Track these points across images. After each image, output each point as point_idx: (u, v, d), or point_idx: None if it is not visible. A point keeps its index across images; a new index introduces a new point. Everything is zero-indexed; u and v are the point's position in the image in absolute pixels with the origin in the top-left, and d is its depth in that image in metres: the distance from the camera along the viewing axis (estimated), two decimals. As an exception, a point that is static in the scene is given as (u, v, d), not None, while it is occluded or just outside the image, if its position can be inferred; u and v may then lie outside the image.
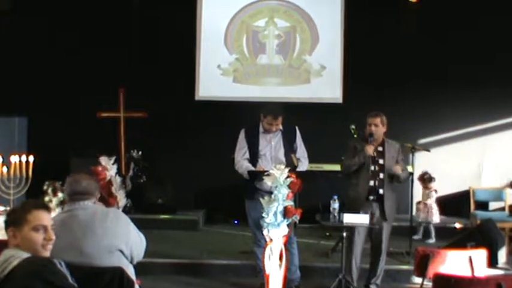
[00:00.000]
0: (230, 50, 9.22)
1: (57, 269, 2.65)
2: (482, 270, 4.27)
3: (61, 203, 5.63)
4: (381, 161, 5.54)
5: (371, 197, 5.51)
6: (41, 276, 2.55)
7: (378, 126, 5.54)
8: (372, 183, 5.51)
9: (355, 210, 5.36)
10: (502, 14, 8.76)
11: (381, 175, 5.52)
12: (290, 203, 4.47)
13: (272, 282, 4.38)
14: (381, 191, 5.50)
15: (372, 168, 5.51)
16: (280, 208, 4.37)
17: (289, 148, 5.61)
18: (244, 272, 6.22)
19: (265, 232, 4.42)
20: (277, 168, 4.46)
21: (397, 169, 5.48)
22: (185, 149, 8.87)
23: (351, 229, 5.43)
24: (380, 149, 5.58)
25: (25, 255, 2.64)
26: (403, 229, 7.06)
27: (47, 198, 5.84)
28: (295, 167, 5.37)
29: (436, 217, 7.72)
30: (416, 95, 8.78)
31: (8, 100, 8.62)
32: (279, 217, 4.37)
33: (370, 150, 5.45)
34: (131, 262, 3.33)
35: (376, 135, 5.53)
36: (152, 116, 8.55)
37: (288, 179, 4.45)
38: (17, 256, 2.62)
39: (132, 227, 3.35)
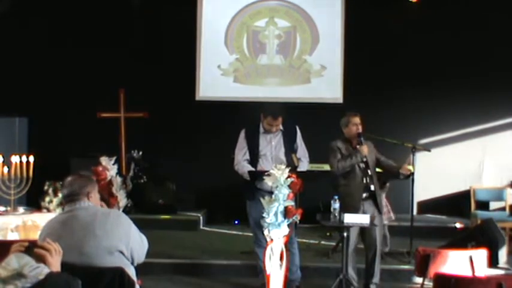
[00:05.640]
0: (230, 50, 9.21)
1: None
2: (483, 270, 4.27)
3: (61, 204, 5.65)
4: (364, 158, 5.57)
5: (364, 195, 5.54)
6: None
7: (361, 125, 5.62)
8: (364, 180, 5.54)
9: (353, 209, 5.36)
10: (502, 14, 8.75)
11: (369, 171, 5.55)
12: (291, 203, 4.46)
13: (273, 282, 4.37)
14: (372, 187, 5.54)
15: (361, 165, 5.56)
16: (281, 208, 4.36)
17: (290, 148, 5.60)
18: (245, 272, 6.22)
19: (265, 232, 4.41)
20: (277, 169, 4.46)
21: (409, 169, 5.52)
22: (186, 149, 8.87)
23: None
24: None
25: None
26: (403, 229, 7.05)
27: (47, 199, 5.85)
28: (296, 167, 5.36)
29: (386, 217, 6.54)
30: (417, 95, 8.77)
31: (9, 100, 8.62)
32: (280, 217, 4.36)
33: (365, 150, 5.50)
34: (132, 263, 3.32)
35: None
36: (153, 116, 8.56)
37: (289, 179, 4.44)
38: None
39: (133, 229, 3.33)
